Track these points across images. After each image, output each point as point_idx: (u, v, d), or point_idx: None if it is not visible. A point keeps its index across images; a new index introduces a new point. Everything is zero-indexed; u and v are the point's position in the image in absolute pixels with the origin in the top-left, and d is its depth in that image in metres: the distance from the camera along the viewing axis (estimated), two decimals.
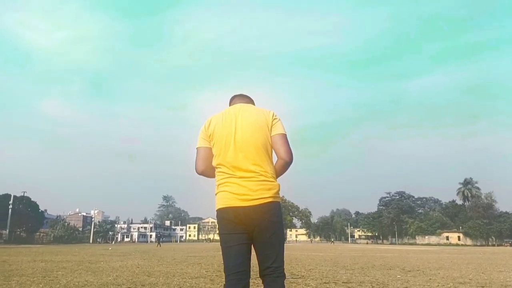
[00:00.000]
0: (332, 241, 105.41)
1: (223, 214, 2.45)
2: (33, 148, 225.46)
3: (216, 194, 2.54)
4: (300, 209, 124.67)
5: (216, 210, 2.50)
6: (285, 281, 2.44)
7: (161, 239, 51.25)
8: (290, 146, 2.57)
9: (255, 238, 2.44)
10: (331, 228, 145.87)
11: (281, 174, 2.60)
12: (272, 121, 2.57)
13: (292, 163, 2.56)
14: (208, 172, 2.64)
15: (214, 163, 2.57)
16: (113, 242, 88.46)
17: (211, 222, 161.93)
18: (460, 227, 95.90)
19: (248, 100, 2.84)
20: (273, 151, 2.57)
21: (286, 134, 2.58)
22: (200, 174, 2.64)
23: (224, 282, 2.43)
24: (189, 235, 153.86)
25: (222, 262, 2.45)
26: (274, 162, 2.59)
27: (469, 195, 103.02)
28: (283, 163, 2.55)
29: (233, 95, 2.90)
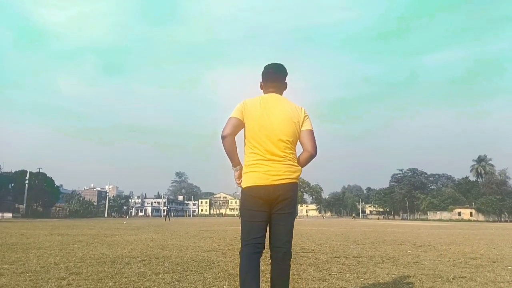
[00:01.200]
0: (354, 217, 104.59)
1: (252, 192, 2.77)
2: (48, 125, 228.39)
3: (245, 174, 2.83)
4: (311, 185, 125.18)
5: (244, 188, 2.80)
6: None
7: (169, 214, 51.39)
8: (316, 141, 2.91)
9: (273, 214, 2.79)
10: (342, 203, 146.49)
11: (305, 165, 2.94)
12: (304, 118, 2.91)
13: (316, 156, 2.92)
14: (229, 138, 2.81)
15: (248, 145, 2.87)
16: (128, 216, 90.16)
17: (223, 197, 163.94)
18: (473, 203, 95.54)
19: (279, 82, 3.03)
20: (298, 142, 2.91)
21: (313, 130, 2.93)
22: (224, 136, 2.80)
23: (240, 250, 2.76)
24: (201, 210, 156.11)
25: (240, 231, 2.81)
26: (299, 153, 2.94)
27: (483, 172, 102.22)
28: (309, 155, 2.90)
29: (267, 66, 3.06)
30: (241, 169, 2.90)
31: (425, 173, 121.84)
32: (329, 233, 16.64)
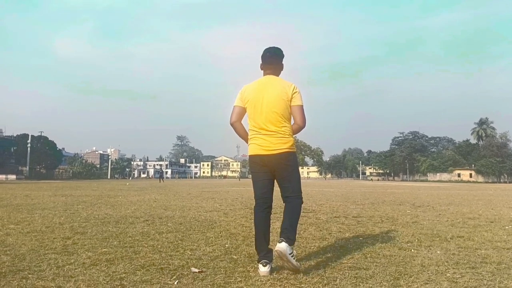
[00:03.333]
0: (371, 179, 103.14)
1: (253, 159, 3.41)
2: (48, 89, 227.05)
3: (248, 145, 3.45)
4: (312, 148, 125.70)
5: (249, 156, 3.45)
6: None
7: (162, 175, 50.09)
8: (305, 114, 3.40)
9: (276, 176, 3.39)
10: (342, 165, 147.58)
11: (296, 133, 3.49)
12: (292, 94, 3.34)
13: (305, 127, 3.44)
14: (237, 124, 3.49)
15: (249, 122, 3.44)
16: (130, 178, 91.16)
17: (224, 160, 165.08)
18: (473, 165, 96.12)
19: (275, 64, 3.50)
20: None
21: (302, 105, 3.38)
22: (232, 123, 3.48)
23: (254, 205, 3.47)
24: (203, 172, 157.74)
25: (253, 191, 3.53)
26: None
27: (484, 134, 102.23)
28: (298, 127, 3.43)
29: (266, 49, 3.53)
30: None
31: (426, 136, 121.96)
32: (329, 194, 16.86)
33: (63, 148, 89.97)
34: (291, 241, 3.16)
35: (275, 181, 3.43)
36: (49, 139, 73.37)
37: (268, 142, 3.28)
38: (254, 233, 3.42)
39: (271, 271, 3.15)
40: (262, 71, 3.52)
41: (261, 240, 3.29)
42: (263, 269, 3.12)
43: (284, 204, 3.42)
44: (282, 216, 3.42)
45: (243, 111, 3.45)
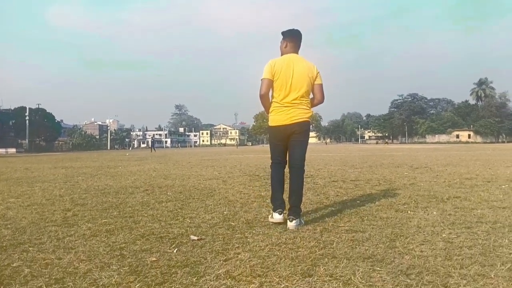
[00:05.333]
0: (386, 142, 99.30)
1: (275, 130, 3.84)
2: (43, 60, 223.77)
3: (270, 115, 3.85)
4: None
5: (269, 126, 3.89)
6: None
7: (154, 145, 49.35)
8: (324, 91, 3.94)
9: (290, 142, 3.81)
10: (341, 130, 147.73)
11: (314, 107, 4.02)
12: (316, 74, 3.84)
13: (324, 102, 3.97)
14: (266, 96, 3.80)
15: (274, 94, 3.80)
16: (130, 148, 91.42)
17: (223, 128, 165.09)
18: (471, 126, 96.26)
19: (297, 42, 3.94)
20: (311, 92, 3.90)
21: (322, 84, 3.91)
22: (262, 95, 3.78)
23: (270, 164, 3.97)
24: (203, 141, 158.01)
25: (270, 153, 4.00)
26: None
27: (483, 95, 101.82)
28: (318, 102, 3.97)
29: (290, 30, 3.96)
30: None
31: (425, 98, 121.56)
32: (328, 159, 16.94)
33: (62, 120, 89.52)
34: (299, 214, 3.67)
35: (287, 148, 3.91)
36: (47, 111, 73.00)
37: (293, 113, 3.72)
38: (270, 186, 3.96)
39: (284, 219, 3.66)
40: (283, 49, 3.95)
41: (277, 192, 3.80)
42: (278, 217, 3.68)
43: (290, 173, 3.84)
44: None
45: (271, 84, 3.77)
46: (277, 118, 3.78)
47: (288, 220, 3.58)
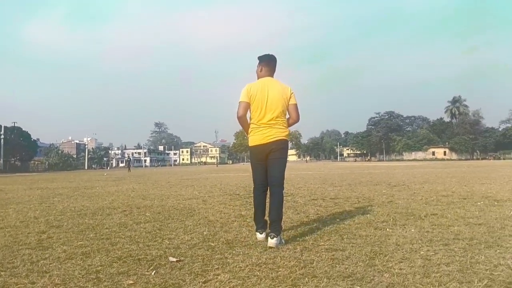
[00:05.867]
0: (369, 159, 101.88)
1: (254, 150, 4.03)
2: (20, 76, 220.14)
3: (249, 137, 4.05)
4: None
5: (250, 146, 4.05)
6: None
7: (130, 164, 48.77)
8: (299, 111, 4.13)
9: (268, 161, 3.97)
10: (320, 147, 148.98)
11: (290, 126, 4.19)
12: (290, 94, 4.05)
13: (299, 122, 4.16)
14: (243, 118, 4.03)
15: (252, 116, 4.01)
16: (108, 168, 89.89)
17: (203, 146, 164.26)
18: (447, 143, 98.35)
19: (272, 67, 4.17)
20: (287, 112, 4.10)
21: (297, 104, 4.11)
22: (239, 117, 4.00)
23: (253, 187, 4.11)
24: (182, 159, 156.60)
25: (252, 175, 4.12)
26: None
27: (457, 112, 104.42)
28: (293, 122, 4.15)
29: (265, 55, 4.18)
30: None
31: (402, 116, 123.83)
32: (307, 177, 17.02)
33: (38, 139, 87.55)
34: (279, 232, 3.75)
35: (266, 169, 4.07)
36: (23, 129, 71.39)
37: (268, 132, 3.93)
38: (253, 209, 4.12)
39: (266, 237, 3.79)
40: (259, 73, 4.17)
41: (258, 215, 4.01)
42: (260, 236, 3.91)
43: (269, 190, 4.01)
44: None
45: (248, 106, 3.99)
46: (255, 138, 3.98)
47: (269, 237, 3.68)
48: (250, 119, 4.06)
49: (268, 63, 4.18)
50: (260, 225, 3.96)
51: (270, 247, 3.58)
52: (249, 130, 4.07)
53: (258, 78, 4.18)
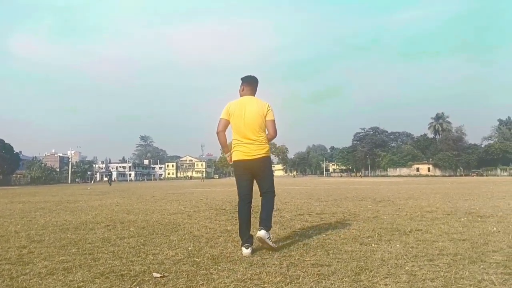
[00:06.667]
0: (360, 175, 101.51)
1: (237, 164, 4.26)
2: (2, 88, 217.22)
3: (232, 152, 4.29)
4: (277, 146, 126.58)
5: (233, 161, 4.29)
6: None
7: (111, 178, 47.35)
8: (276, 126, 4.34)
9: (255, 176, 4.26)
10: (307, 163, 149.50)
11: (270, 141, 4.38)
12: (267, 111, 4.28)
13: (276, 137, 4.38)
14: (222, 134, 4.29)
15: (233, 133, 4.25)
16: (92, 182, 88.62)
17: (189, 160, 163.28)
18: (430, 159, 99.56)
19: (253, 87, 4.47)
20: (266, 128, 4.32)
21: (274, 120, 4.33)
22: (218, 132, 4.27)
23: (238, 201, 4.26)
24: (168, 173, 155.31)
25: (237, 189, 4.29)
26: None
27: (440, 129, 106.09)
28: (271, 137, 4.35)
29: (247, 76, 4.49)
30: (230, 154, 4.33)
31: (386, 131, 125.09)
32: (294, 192, 17.01)
33: (21, 152, 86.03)
34: (268, 228, 4.07)
35: (254, 180, 4.30)
36: (5, 142, 70.14)
37: (249, 149, 4.16)
38: (238, 223, 4.20)
39: (252, 252, 3.92)
40: (241, 92, 4.45)
41: (244, 228, 4.08)
42: (246, 251, 3.93)
43: (261, 198, 4.27)
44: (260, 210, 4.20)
45: (227, 123, 4.28)
46: (237, 153, 4.23)
47: (258, 230, 4.02)
48: (233, 135, 4.30)
49: (249, 83, 4.47)
50: (246, 239, 4.01)
51: (258, 238, 3.96)
52: (232, 145, 4.31)
53: (240, 97, 4.45)
